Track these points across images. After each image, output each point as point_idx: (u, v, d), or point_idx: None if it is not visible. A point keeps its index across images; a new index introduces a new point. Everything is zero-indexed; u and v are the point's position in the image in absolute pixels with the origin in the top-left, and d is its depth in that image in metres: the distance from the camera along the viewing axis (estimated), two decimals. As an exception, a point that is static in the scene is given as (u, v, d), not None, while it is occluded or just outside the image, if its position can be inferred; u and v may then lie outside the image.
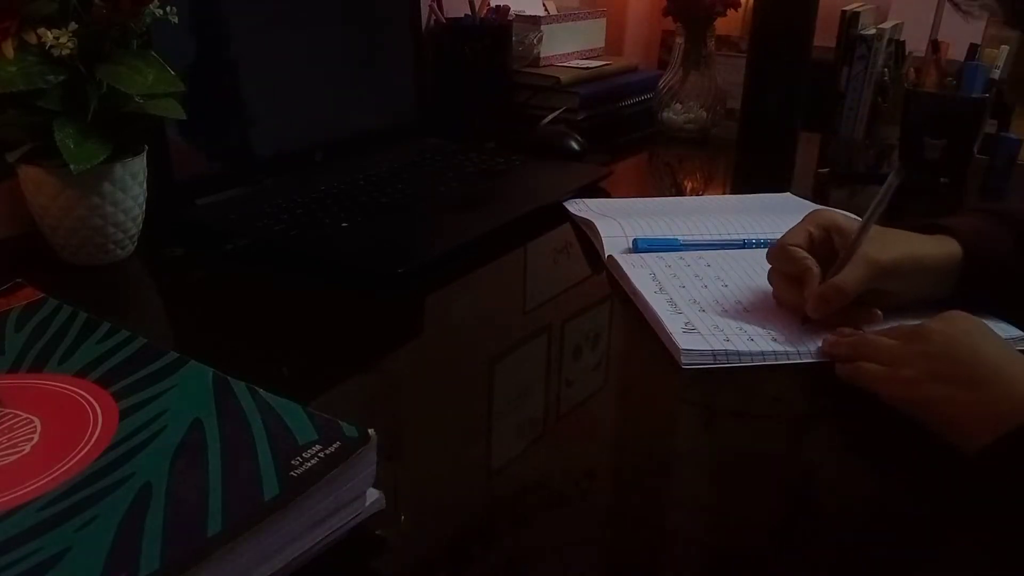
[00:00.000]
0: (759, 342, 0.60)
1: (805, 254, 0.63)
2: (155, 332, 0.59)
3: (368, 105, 1.04)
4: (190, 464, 0.39)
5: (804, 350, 0.60)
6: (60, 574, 0.32)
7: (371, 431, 0.40)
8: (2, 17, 0.62)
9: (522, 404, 0.56)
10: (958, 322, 0.55)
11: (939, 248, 0.63)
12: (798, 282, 0.63)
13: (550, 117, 1.20)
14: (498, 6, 1.22)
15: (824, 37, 1.21)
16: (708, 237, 0.79)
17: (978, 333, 0.54)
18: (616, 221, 0.81)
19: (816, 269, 0.62)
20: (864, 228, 0.62)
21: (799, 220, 0.67)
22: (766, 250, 0.67)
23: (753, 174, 1.04)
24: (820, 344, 0.60)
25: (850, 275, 0.61)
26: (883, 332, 0.58)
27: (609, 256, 0.76)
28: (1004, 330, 0.62)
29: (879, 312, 0.63)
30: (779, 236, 0.66)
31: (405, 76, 1.08)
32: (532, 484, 0.47)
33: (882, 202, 0.61)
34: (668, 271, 0.72)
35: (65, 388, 0.45)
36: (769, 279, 0.67)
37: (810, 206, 0.90)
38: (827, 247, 0.64)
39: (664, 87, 1.26)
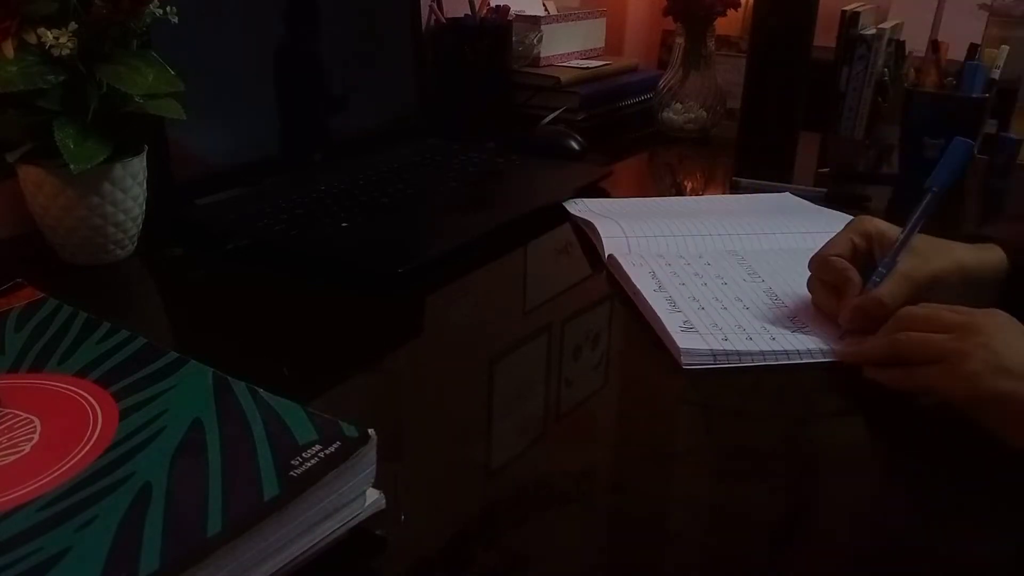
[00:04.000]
0: (757, 341, 0.60)
1: (846, 264, 0.63)
2: (155, 332, 0.59)
3: (368, 105, 1.03)
4: (190, 464, 0.39)
5: (804, 350, 0.60)
6: (60, 574, 0.32)
7: (371, 431, 0.40)
8: (2, 17, 0.62)
9: (522, 404, 0.56)
10: (1005, 317, 0.53)
11: (983, 258, 0.62)
12: (837, 290, 0.63)
13: (550, 117, 1.20)
14: (498, 6, 1.22)
15: (824, 37, 1.21)
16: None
17: None
18: (616, 221, 0.81)
19: (857, 279, 0.62)
20: (904, 241, 0.62)
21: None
22: (805, 256, 0.66)
23: (753, 174, 1.04)
24: (825, 345, 0.60)
25: (890, 289, 0.60)
26: (917, 326, 0.55)
27: (609, 256, 0.76)
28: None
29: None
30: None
31: (405, 76, 1.08)
32: (532, 484, 0.47)
33: (922, 216, 0.62)
34: (668, 269, 0.72)
35: (65, 388, 0.45)
36: (809, 286, 0.66)
37: (809, 206, 0.91)
38: (869, 256, 0.64)
39: (664, 87, 1.26)
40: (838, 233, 0.66)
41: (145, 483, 0.37)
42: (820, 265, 0.65)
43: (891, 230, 0.64)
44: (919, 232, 0.63)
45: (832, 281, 0.64)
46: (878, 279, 0.61)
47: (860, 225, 0.65)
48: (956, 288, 0.61)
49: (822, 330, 0.62)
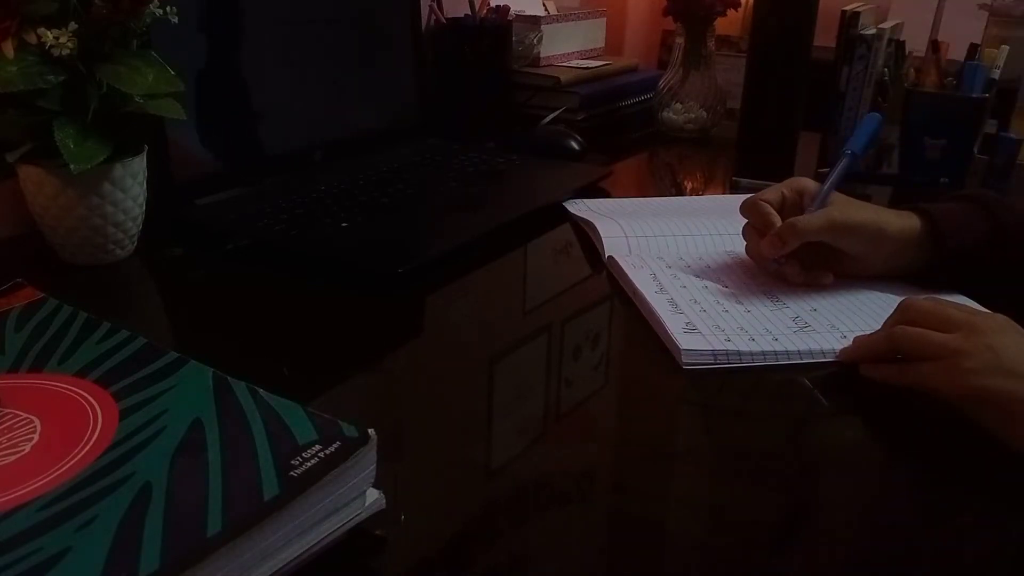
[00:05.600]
0: (760, 342, 0.60)
1: (771, 209, 0.69)
2: (155, 332, 0.59)
3: (368, 105, 1.03)
4: (190, 464, 0.39)
5: (807, 351, 0.60)
6: (60, 574, 0.32)
7: (371, 431, 0.40)
8: (2, 17, 0.62)
9: (522, 404, 0.56)
10: (1006, 321, 0.53)
11: (900, 220, 0.68)
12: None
13: (550, 117, 1.20)
14: (498, 6, 1.22)
15: (824, 37, 1.20)
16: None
17: None
18: (616, 221, 0.81)
19: (779, 222, 0.68)
20: (826, 193, 0.69)
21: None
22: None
23: (753, 174, 1.04)
24: (827, 346, 0.60)
25: (806, 219, 0.67)
26: (919, 320, 0.55)
27: (609, 257, 0.76)
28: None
29: (830, 274, 0.69)
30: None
31: (405, 76, 1.08)
32: (532, 484, 0.47)
33: (841, 173, 0.71)
34: (669, 271, 0.72)
35: (65, 388, 0.45)
36: (743, 234, 0.72)
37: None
38: (797, 210, 0.70)
39: (664, 87, 1.26)
40: (772, 186, 0.72)
41: (145, 483, 0.37)
42: (749, 208, 0.71)
43: (817, 187, 0.71)
44: (842, 193, 0.71)
45: (759, 225, 0.70)
46: None
47: (793, 182, 0.72)
48: (872, 242, 0.67)
49: (823, 328, 0.62)
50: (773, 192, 0.71)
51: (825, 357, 0.59)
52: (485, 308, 0.71)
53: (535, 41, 1.27)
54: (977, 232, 0.66)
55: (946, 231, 0.66)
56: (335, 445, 0.39)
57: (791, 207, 0.70)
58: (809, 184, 0.71)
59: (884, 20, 1.32)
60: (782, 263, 0.69)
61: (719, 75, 1.27)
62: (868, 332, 0.61)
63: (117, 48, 0.67)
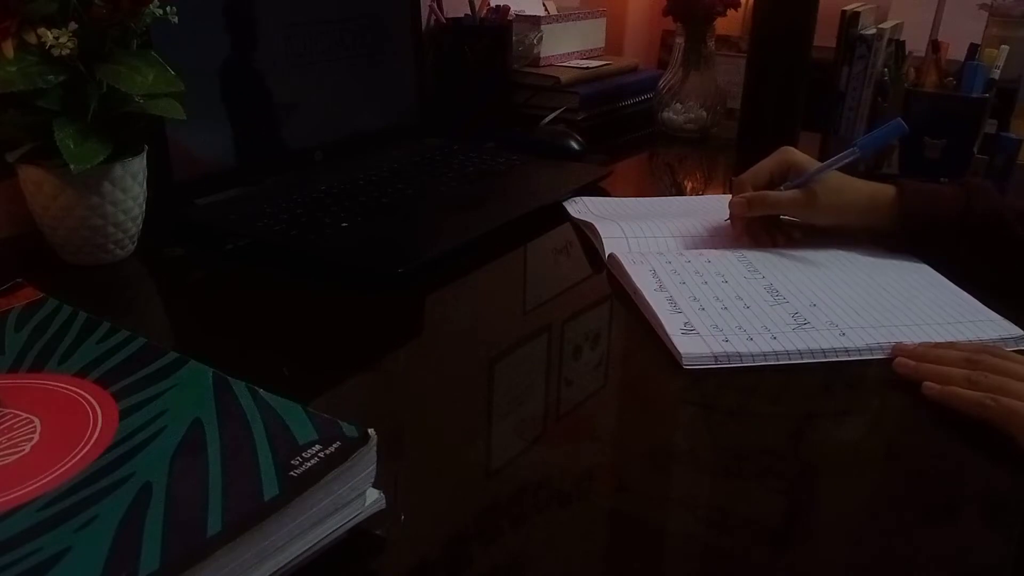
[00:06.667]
0: (758, 341, 0.60)
1: (747, 183, 0.77)
2: (155, 332, 0.59)
3: (368, 105, 1.03)
4: (190, 464, 0.39)
5: (805, 350, 0.60)
6: (60, 574, 0.32)
7: (371, 431, 0.40)
8: (2, 17, 0.62)
9: (522, 404, 0.55)
10: None
11: (874, 190, 0.74)
12: None
13: (550, 117, 1.20)
14: (498, 6, 1.22)
15: (824, 37, 1.20)
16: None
17: None
18: (616, 223, 0.81)
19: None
20: (812, 175, 0.74)
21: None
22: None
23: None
24: (826, 344, 0.60)
25: (780, 193, 0.75)
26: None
27: (610, 254, 0.76)
28: (1001, 327, 0.62)
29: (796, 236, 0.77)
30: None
31: (405, 76, 1.08)
32: (532, 484, 0.47)
33: (836, 162, 0.75)
34: (668, 267, 0.72)
35: (65, 388, 0.45)
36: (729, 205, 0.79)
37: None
38: (782, 180, 0.77)
39: (664, 87, 1.26)
40: (762, 161, 0.78)
41: (145, 483, 0.37)
42: (735, 185, 0.78)
43: (808, 162, 0.76)
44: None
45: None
46: None
47: (780, 155, 0.78)
48: (837, 218, 0.76)
49: (822, 326, 0.62)
50: (761, 170, 0.77)
51: (825, 356, 0.59)
52: (485, 308, 0.71)
53: (535, 41, 1.27)
54: (948, 209, 0.70)
55: (910, 195, 0.72)
56: (335, 445, 0.39)
57: (780, 181, 0.77)
58: (795, 156, 0.76)
59: (884, 20, 1.32)
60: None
61: (719, 75, 1.27)
62: (867, 329, 0.61)
63: (117, 48, 0.67)
